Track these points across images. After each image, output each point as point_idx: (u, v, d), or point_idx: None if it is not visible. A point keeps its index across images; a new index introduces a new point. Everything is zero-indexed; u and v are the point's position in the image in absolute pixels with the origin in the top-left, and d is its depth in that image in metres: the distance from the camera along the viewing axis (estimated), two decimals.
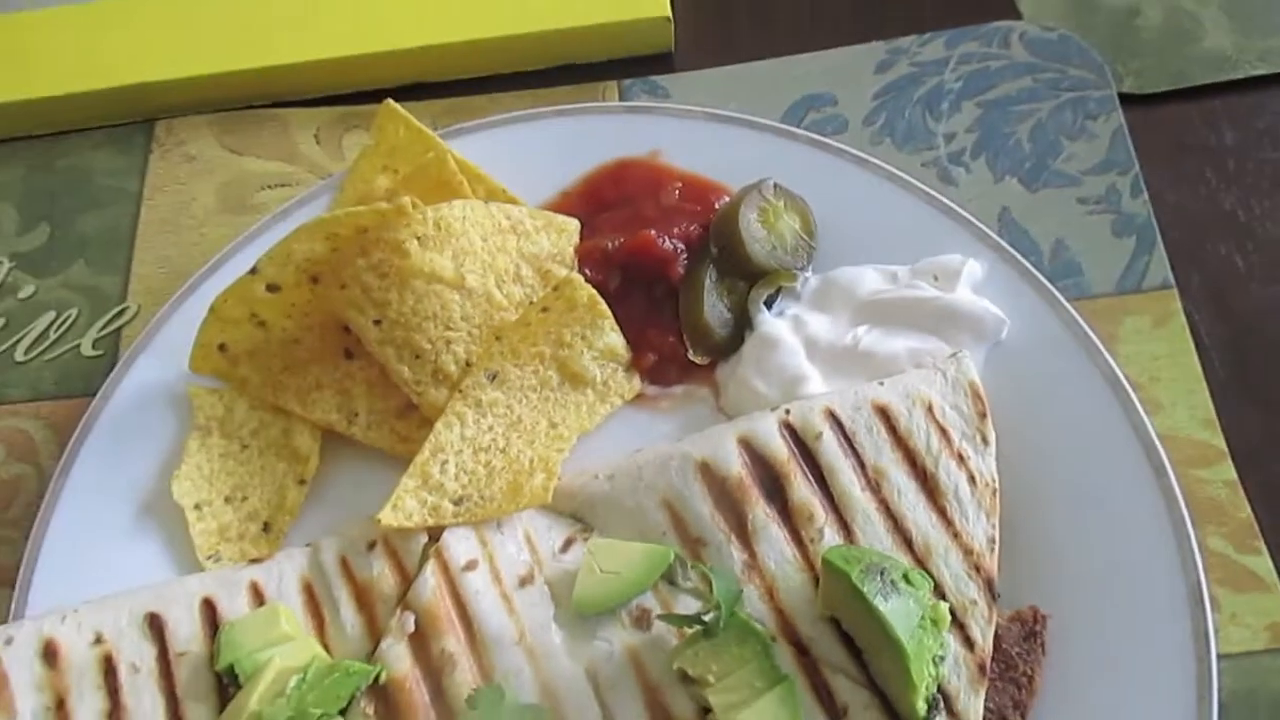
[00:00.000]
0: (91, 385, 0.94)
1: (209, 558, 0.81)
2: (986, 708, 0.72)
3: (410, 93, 1.07)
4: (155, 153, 1.07)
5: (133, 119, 1.09)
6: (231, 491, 0.85)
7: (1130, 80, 1.06)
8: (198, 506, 0.83)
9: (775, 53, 1.10)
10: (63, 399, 0.95)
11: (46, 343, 0.98)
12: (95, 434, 0.86)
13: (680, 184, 0.96)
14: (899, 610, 0.69)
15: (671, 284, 0.92)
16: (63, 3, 1.14)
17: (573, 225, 0.92)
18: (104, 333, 0.97)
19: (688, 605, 0.74)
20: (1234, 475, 0.86)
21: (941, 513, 0.78)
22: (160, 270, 1.00)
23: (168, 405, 0.88)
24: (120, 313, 0.98)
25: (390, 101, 0.95)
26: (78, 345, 0.97)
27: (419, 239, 0.83)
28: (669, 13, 1.08)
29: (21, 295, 1.00)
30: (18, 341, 0.98)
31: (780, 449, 0.79)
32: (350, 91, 1.09)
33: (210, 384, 0.88)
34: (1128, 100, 1.05)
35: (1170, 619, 0.74)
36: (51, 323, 0.98)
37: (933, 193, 0.94)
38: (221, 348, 0.85)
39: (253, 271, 0.83)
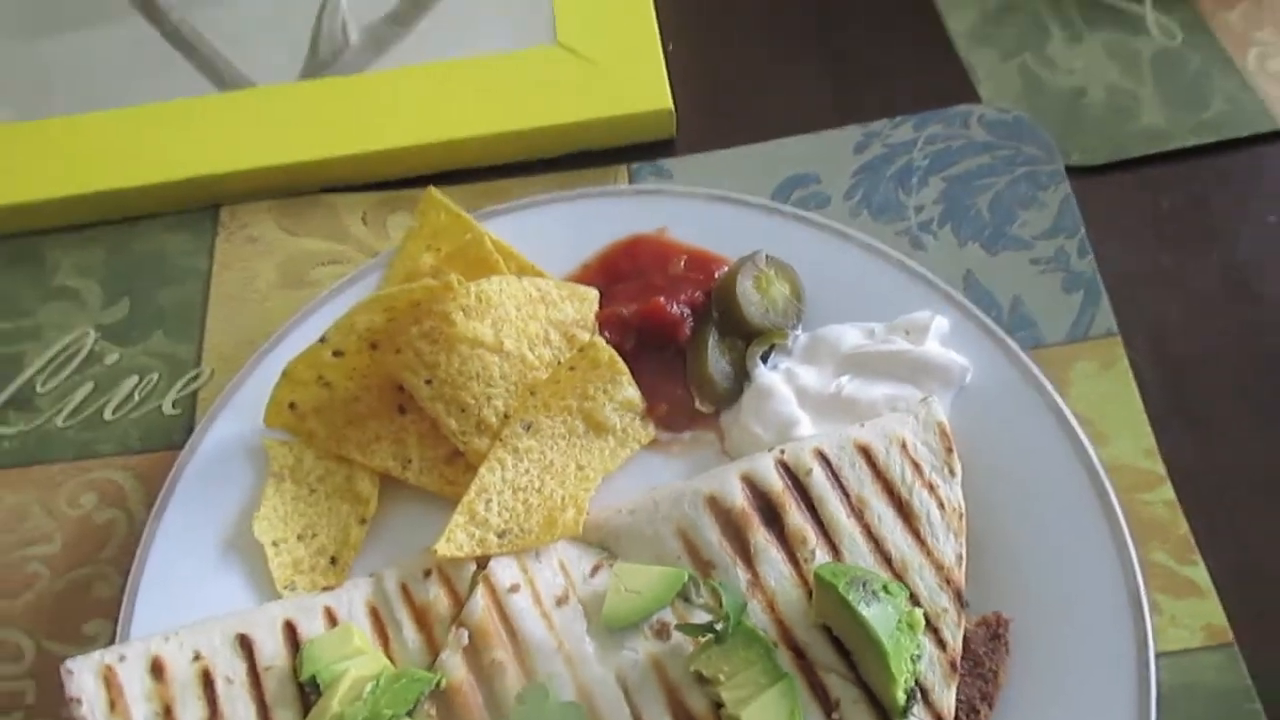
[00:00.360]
0: (172, 440, 1.03)
1: (286, 587, 0.90)
2: (958, 699, 0.81)
3: (446, 178, 1.15)
4: (221, 235, 1.15)
5: (201, 205, 1.17)
6: (303, 530, 0.93)
7: (1076, 154, 1.14)
8: (275, 543, 0.92)
9: (764, 137, 1.17)
10: (147, 452, 1.03)
11: (131, 404, 1.06)
12: (184, 482, 0.95)
13: (685, 256, 1.03)
14: (879, 615, 0.78)
15: (680, 344, 0.99)
16: (137, 103, 1.24)
17: (593, 295, 1.00)
18: (182, 394, 1.06)
19: (701, 618, 0.83)
20: (1173, 497, 0.94)
21: (916, 535, 0.87)
22: (229, 339, 1.08)
23: (245, 456, 0.96)
24: (195, 376, 1.07)
25: (433, 189, 1.04)
26: (159, 405, 1.05)
27: (463, 310, 0.92)
28: (671, 105, 1.17)
29: (108, 362, 1.08)
30: (106, 403, 1.06)
31: (777, 483, 0.88)
32: (392, 178, 1.17)
33: (282, 437, 0.96)
34: (1074, 172, 1.13)
35: (1114, 622, 0.83)
36: (135, 386, 1.07)
37: (904, 259, 1.02)
38: (292, 405, 0.95)
39: (322, 340, 0.92)
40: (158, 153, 1.19)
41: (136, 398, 1.07)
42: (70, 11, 1.38)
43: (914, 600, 0.84)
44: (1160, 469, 0.96)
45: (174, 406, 1.06)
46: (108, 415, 1.06)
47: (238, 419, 0.98)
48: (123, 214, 1.19)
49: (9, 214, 1.17)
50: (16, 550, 0.99)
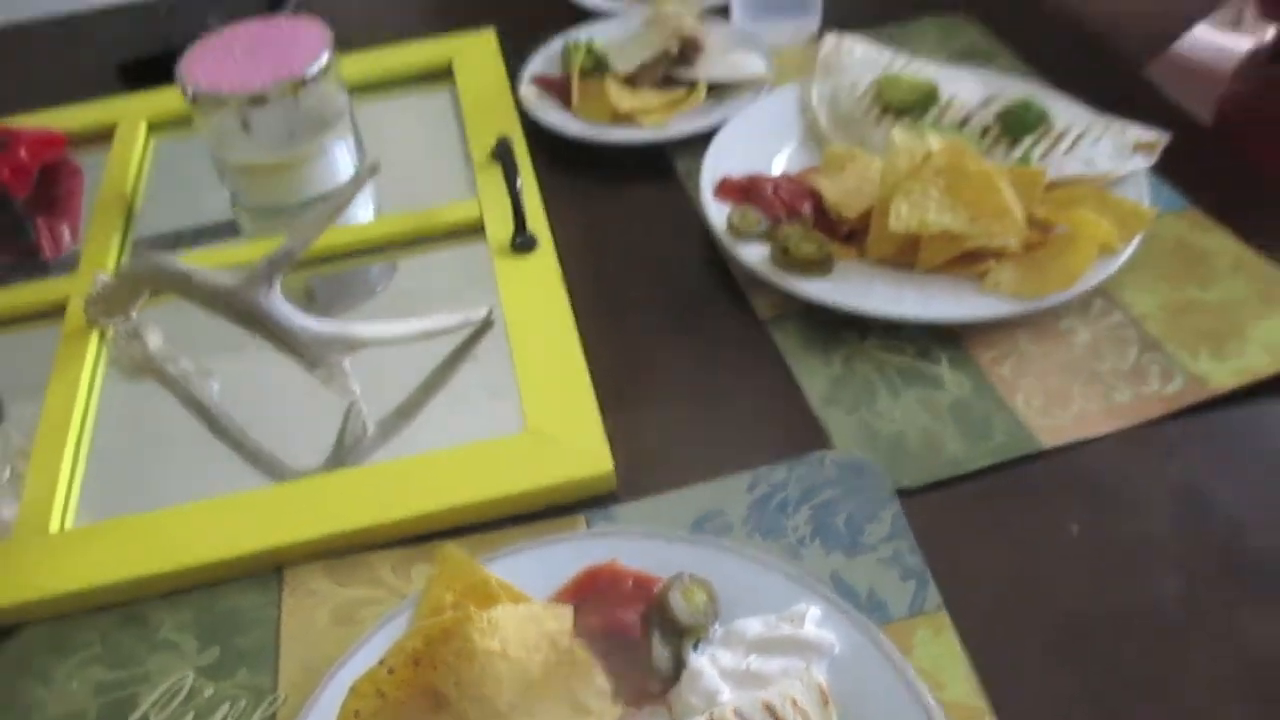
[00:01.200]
0: None
1: None
2: None
3: (452, 533, 1.50)
4: (286, 591, 1.46)
5: (267, 570, 1.49)
6: None
7: (904, 480, 1.50)
8: None
9: (682, 484, 1.52)
10: None
11: None
12: None
13: (632, 579, 1.34)
14: None
15: (633, 643, 1.28)
16: (209, 495, 1.59)
17: (568, 612, 1.29)
18: (266, 713, 1.34)
19: None
20: None
21: None
22: (298, 668, 1.37)
23: None
24: (274, 699, 1.36)
25: (449, 545, 1.38)
26: None
27: (479, 632, 1.23)
28: (612, 468, 1.53)
29: (205, 695, 1.37)
30: None
31: None
32: (411, 536, 1.50)
33: None
34: (902, 494, 1.48)
35: None
36: (228, 711, 1.35)
37: (788, 567, 1.34)
38: (356, 713, 1.24)
39: (380, 663, 1.26)
40: (230, 532, 1.51)
41: None
42: (147, 428, 1.80)
43: None
44: (984, 703, 1.26)
45: None
46: None
47: None
48: (207, 581, 1.49)
49: (122, 587, 1.49)
50: None
